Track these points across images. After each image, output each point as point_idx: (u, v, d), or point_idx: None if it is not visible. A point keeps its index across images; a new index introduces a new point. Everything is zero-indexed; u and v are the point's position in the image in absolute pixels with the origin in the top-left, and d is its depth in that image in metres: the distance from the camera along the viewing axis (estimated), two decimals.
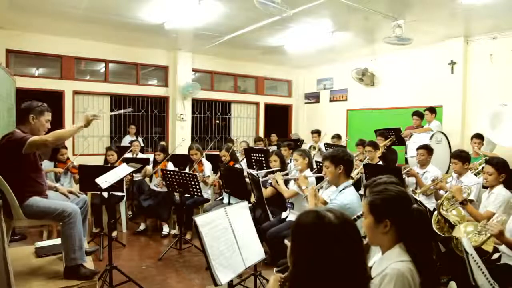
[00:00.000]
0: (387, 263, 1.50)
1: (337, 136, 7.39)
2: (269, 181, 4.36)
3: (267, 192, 4.21)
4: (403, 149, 6.16)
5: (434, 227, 3.17)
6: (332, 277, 1.15)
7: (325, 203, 3.24)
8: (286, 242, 1.31)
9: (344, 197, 2.79)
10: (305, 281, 1.17)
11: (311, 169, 4.24)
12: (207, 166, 5.43)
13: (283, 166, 4.57)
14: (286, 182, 4.11)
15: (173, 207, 5.35)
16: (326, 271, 1.15)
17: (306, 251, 1.19)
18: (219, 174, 5.29)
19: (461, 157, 3.91)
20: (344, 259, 1.16)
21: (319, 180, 3.94)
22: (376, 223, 1.56)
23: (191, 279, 3.80)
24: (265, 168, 5.00)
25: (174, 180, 4.57)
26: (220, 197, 5.30)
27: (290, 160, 5.69)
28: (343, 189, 2.88)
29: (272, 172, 4.42)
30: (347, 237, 1.19)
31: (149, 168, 5.69)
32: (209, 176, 5.36)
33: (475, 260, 2.28)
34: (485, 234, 2.64)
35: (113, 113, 5.16)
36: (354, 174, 4.72)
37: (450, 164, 4.46)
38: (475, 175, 4.28)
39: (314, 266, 1.16)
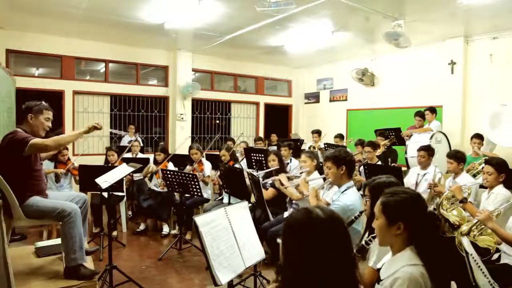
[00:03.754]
0: (398, 266, 1.49)
1: (340, 136, 7.39)
2: (269, 183, 4.35)
3: (268, 193, 4.20)
4: (403, 149, 6.16)
5: None
6: (322, 271, 1.18)
7: (328, 204, 3.24)
8: (279, 241, 1.34)
9: (347, 198, 2.78)
10: (296, 276, 1.20)
11: (320, 171, 4.21)
12: (207, 166, 5.44)
13: (282, 165, 4.56)
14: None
15: (173, 207, 5.35)
16: (316, 266, 1.18)
17: (296, 246, 1.22)
18: (218, 173, 5.29)
19: (456, 157, 3.91)
20: (333, 254, 1.19)
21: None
22: (388, 225, 1.55)
23: (191, 279, 3.81)
24: (265, 168, 5.00)
25: (174, 180, 4.57)
26: (220, 197, 5.30)
27: (290, 160, 5.68)
28: (346, 189, 2.88)
29: (271, 172, 4.41)
30: (336, 232, 1.23)
31: (153, 165, 5.60)
32: (209, 176, 5.36)
33: (475, 260, 2.29)
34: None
35: (113, 130, 5.18)
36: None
37: None
38: (475, 175, 4.28)
39: (304, 260, 1.19)
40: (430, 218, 1.54)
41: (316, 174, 4.06)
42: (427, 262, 1.47)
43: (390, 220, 1.54)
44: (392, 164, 5.51)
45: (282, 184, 3.89)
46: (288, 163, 5.62)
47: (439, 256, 1.50)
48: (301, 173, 4.08)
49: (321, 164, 4.44)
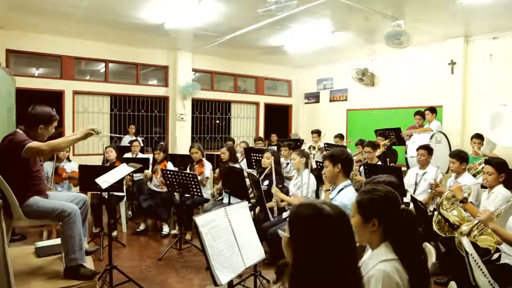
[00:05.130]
0: (373, 263, 1.52)
1: (340, 136, 7.39)
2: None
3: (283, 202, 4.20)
4: (403, 149, 6.16)
5: (435, 227, 3.17)
6: (331, 267, 1.19)
7: None
8: (281, 232, 1.33)
9: (344, 197, 2.77)
10: (305, 271, 1.20)
11: (310, 170, 4.21)
12: (208, 167, 5.42)
13: (277, 165, 4.53)
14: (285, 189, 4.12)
15: (173, 207, 5.35)
16: (325, 261, 1.19)
17: (306, 242, 1.22)
18: (218, 171, 5.28)
19: (459, 157, 3.91)
20: (341, 250, 1.21)
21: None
22: (364, 222, 1.58)
23: (191, 279, 3.80)
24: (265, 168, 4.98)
25: (174, 180, 4.57)
26: (220, 197, 5.30)
27: (290, 160, 5.68)
28: (342, 188, 2.86)
29: (267, 175, 4.37)
30: (344, 228, 1.25)
31: (148, 171, 5.59)
32: (207, 177, 5.33)
33: (475, 260, 2.29)
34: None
35: (112, 134, 5.13)
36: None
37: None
38: (475, 175, 4.28)
39: (314, 256, 1.20)
40: (403, 214, 1.56)
41: (306, 172, 4.05)
42: (402, 256, 1.49)
43: (364, 217, 1.58)
44: (391, 164, 5.51)
45: (282, 201, 3.90)
46: (288, 163, 5.62)
47: (415, 250, 1.52)
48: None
49: (320, 164, 4.45)
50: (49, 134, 2.85)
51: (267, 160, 4.50)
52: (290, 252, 1.26)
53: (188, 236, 4.93)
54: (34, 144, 2.64)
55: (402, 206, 1.58)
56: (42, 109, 2.79)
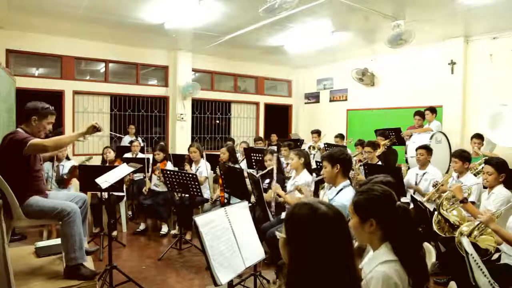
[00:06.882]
0: (373, 265, 1.52)
1: (340, 136, 7.39)
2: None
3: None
4: (403, 149, 6.15)
5: (435, 227, 3.17)
6: (327, 267, 1.19)
7: None
8: (277, 234, 1.33)
9: (343, 197, 2.76)
10: (302, 271, 1.20)
11: (309, 170, 4.21)
12: (204, 167, 5.40)
13: (279, 165, 4.53)
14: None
15: (173, 207, 5.35)
16: (322, 261, 1.19)
17: (302, 242, 1.22)
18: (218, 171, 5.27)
19: (462, 157, 3.91)
20: (338, 249, 1.21)
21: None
22: (361, 223, 1.58)
23: (191, 279, 3.80)
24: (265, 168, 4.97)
25: (174, 180, 4.57)
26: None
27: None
28: (342, 188, 2.86)
29: (267, 172, 4.37)
30: (340, 227, 1.25)
31: (148, 181, 5.60)
32: (206, 177, 5.32)
33: (475, 260, 2.29)
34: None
35: (112, 133, 5.16)
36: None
37: (450, 163, 4.46)
38: (475, 175, 4.28)
39: (310, 256, 1.20)
40: (401, 213, 1.55)
41: (305, 172, 4.04)
42: (401, 257, 1.49)
43: (361, 218, 1.58)
44: None
45: (279, 196, 3.89)
46: (288, 163, 5.61)
47: (414, 250, 1.51)
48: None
49: (320, 164, 4.45)
50: (45, 129, 2.84)
51: (270, 162, 4.50)
52: (287, 252, 1.26)
53: (188, 236, 4.93)
54: (37, 140, 2.64)
55: (398, 203, 1.57)
56: (36, 102, 2.83)
